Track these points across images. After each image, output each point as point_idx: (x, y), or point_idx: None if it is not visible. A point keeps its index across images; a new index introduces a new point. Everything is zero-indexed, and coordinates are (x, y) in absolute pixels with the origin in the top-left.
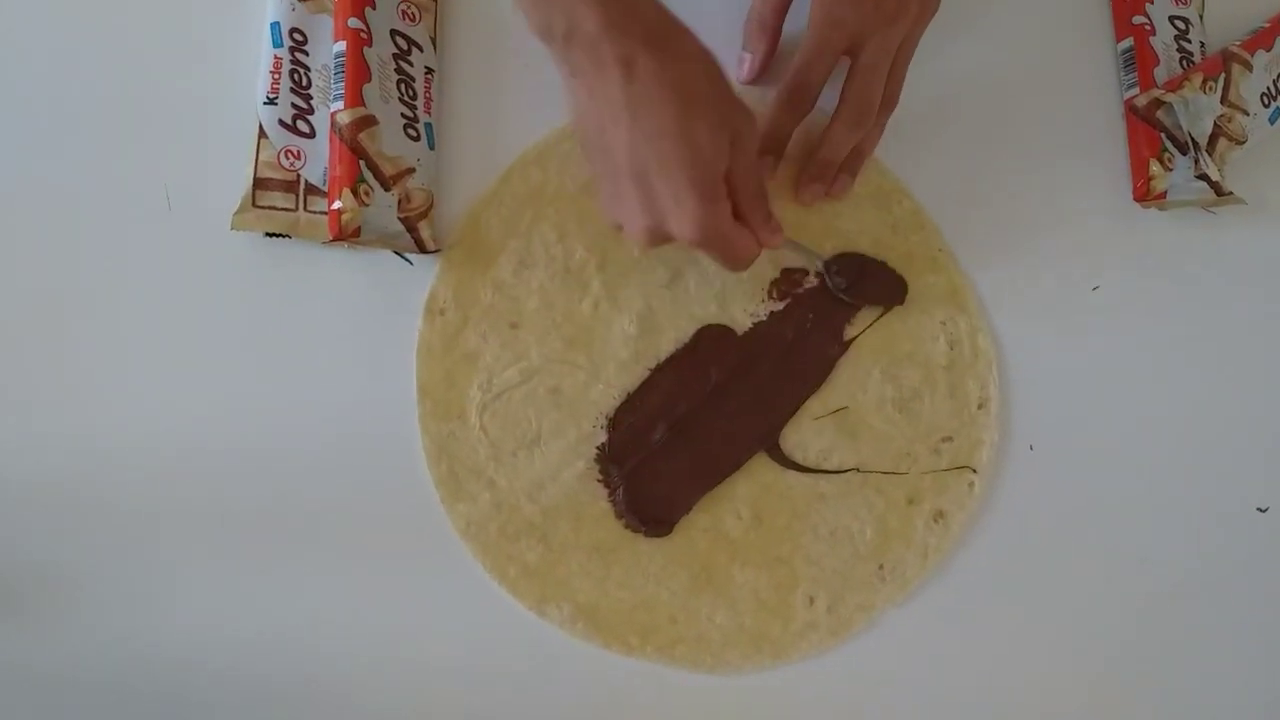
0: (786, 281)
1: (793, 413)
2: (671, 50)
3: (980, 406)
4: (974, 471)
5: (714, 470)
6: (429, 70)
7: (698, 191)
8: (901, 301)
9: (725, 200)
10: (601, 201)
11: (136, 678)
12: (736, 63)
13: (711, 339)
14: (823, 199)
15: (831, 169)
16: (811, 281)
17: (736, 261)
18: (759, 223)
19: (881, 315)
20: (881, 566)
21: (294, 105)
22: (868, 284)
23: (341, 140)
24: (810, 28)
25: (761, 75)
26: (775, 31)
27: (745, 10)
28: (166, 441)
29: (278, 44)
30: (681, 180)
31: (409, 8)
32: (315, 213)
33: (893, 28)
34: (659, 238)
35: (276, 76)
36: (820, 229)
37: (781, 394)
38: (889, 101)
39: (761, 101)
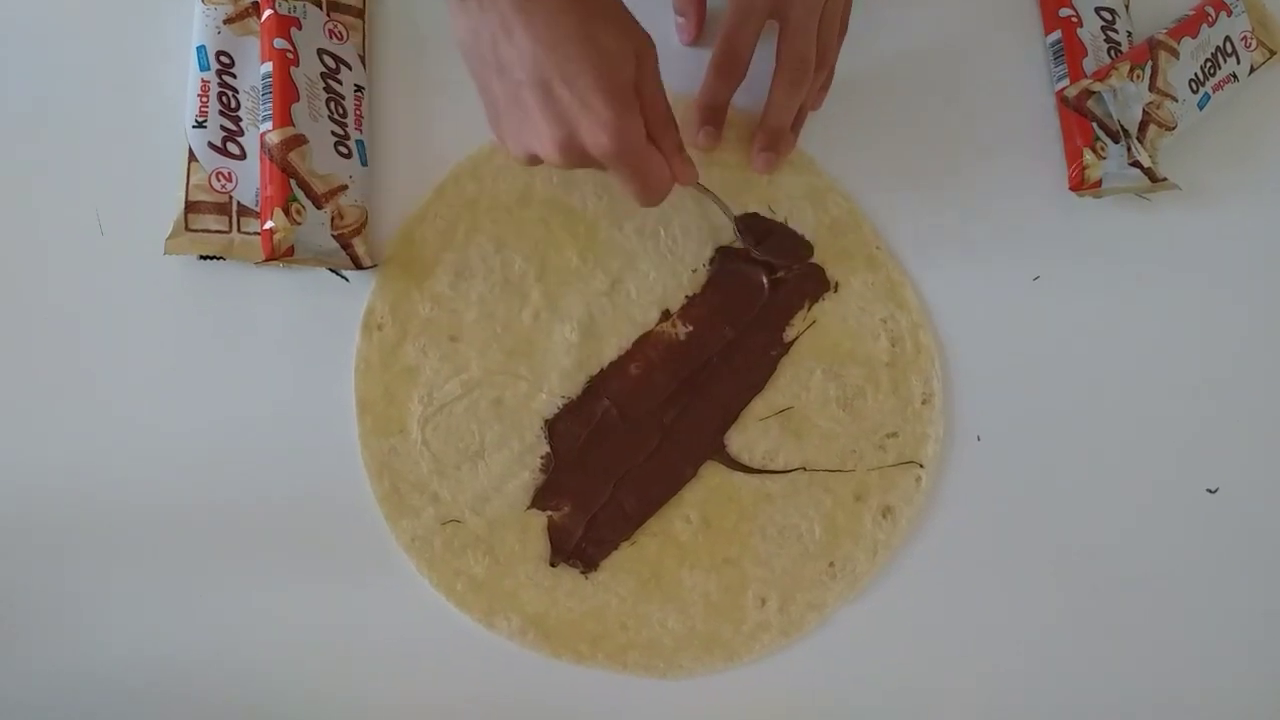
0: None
1: (736, 417)
2: None
3: (924, 402)
4: (920, 466)
5: (661, 496)
6: (359, 88)
7: (607, 95)
8: (809, 258)
9: (637, 113)
10: (504, 131)
11: (74, 700)
12: (675, 29)
13: (654, 348)
14: (776, 165)
15: (780, 135)
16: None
17: (649, 189)
18: (671, 149)
19: (813, 305)
20: (831, 564)
21: (223, 128)
22: (774, 242)
23: (272, 160)
24: None
25: (699, 37)
26: None
27: None
28: (105, 466)
29: (205, 67)
30: (590, 83)
31: (336, 26)
32: (248, 234)
33: None
34: (573, 153)
35: (204, 99)
36: None
37: (726, 399)
38: (824, 61)
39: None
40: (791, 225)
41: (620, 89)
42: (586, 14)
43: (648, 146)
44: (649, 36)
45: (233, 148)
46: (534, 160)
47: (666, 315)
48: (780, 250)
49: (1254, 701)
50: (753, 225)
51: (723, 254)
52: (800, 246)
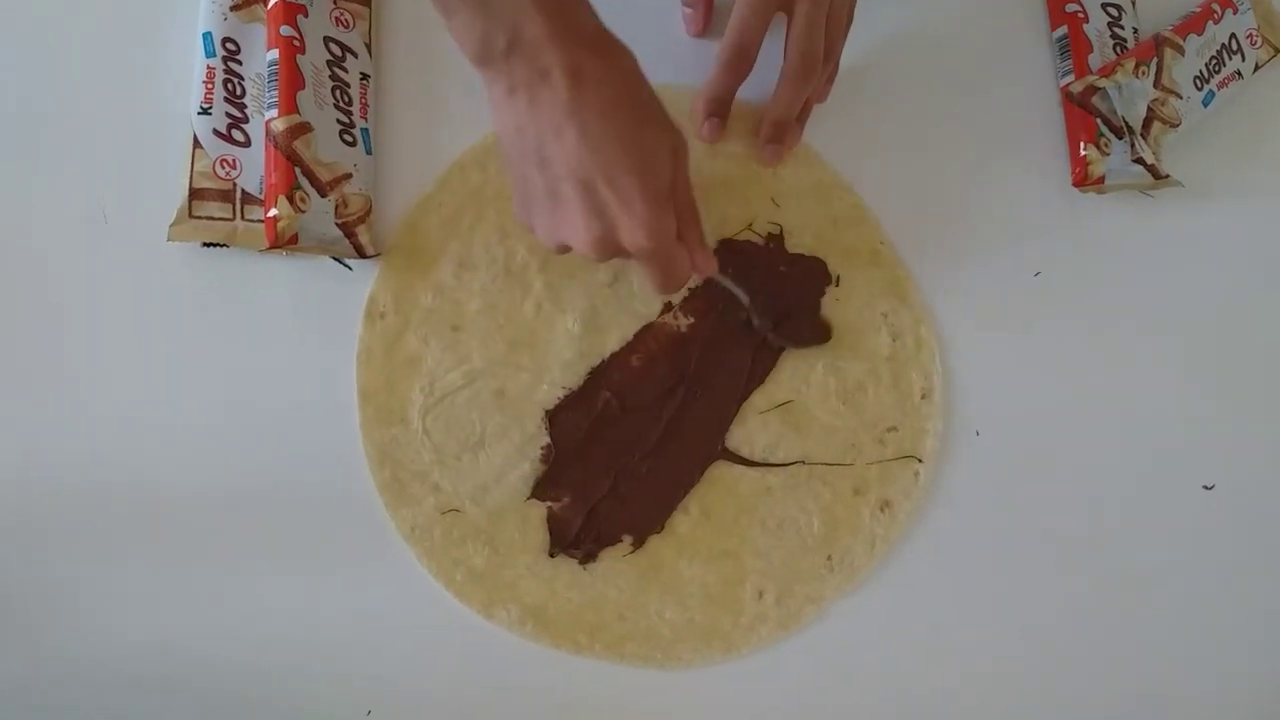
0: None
1: (736, 413)
2: (614, 59)
3: (924, 397)
4: (919, 461)
5: (666, 499)
6: (364, 76)
7: (649, 197)
8: (827, 341)
9: (671, 209)
10: (534, 218)
11: (76, 686)
12: (683, 20)
13: (655, 340)
14: (782, 158)
15: (786, 128)
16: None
17: (670, 281)
18: (695, 244)
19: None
20: (830, 557)
21: (228, 114)
22: (792, 325)
23: (276, 148)
24: None
25: (707, 27)
26: None
27: None
28: (107, 453)
29: (210, 53)
30: (633, 186)
31: (342, 14)
32: (252, 221)
33: None
34: (609, 248)
35: (210, 86)
36: (763, 226)
37: (728, 393)
38: (830, 54)
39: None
40: (794, 242)
41: (660, 190)
42: (635, 118)
43: (676, 244)
44: (682, 134)
45: (238, 135)
46: (564, 250)
47: (668, 307)
48: (797, 334)
49: (1250, 696)
50: (771, 306)
51: (724, 246)
52: (819, 329)
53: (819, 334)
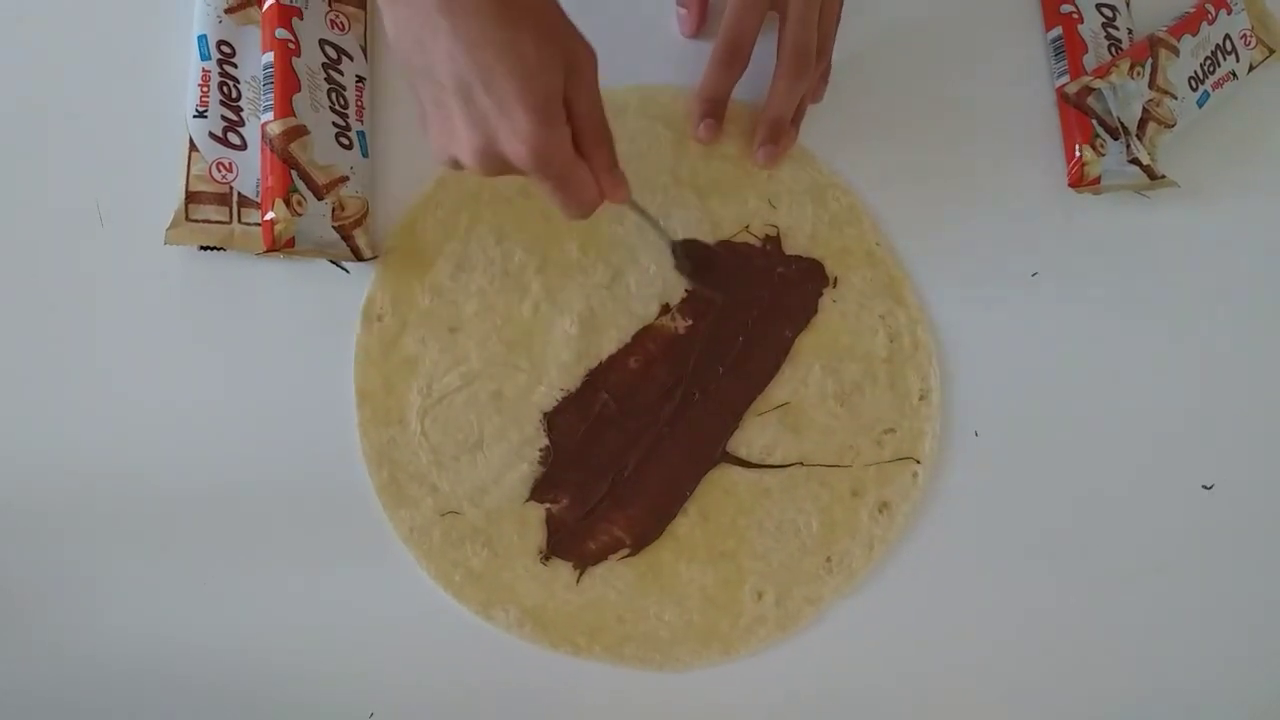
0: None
1: (739, 421)
2: None
3: (921, 398)
4: (917, 462)
5: (664, 506)
6: (360, 78)
7: (526, 104)
8: (764, 293)
9: (563, 125)
10: (431, 134)
11: (75, 684)
12: (677, 21)
13: (653, 342)
14: (778, 159)
15: (782, 127)
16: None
17: (574, 203)
18: (601, 166)
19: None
20: (828, 559)
21: (224, 117)
22: (718, 275)
23: (273, 151)
24: None
25: (702, 27)
26: None
27: None
28: (105, 455)
29: (205, 56)
30: (508, 91)
31: (338, 17)
32: (249, 224)
33: None
34: (492, 160)
35: (205, 89)
36: (760, 228)
37: (728, 397)
38: (823, 50)
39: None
40: (790, 231)
41: (544, 100)
42: (511, 19)
43: (573, 161)
44: (588, 46)
45: (233, 138)
46: (456, 165)
47: (666, 309)
48: (713, 281)
49: (1252, 696)
50: (692, 251)
51: (723, 249)
52: (754, 277)
53: (755, 282)
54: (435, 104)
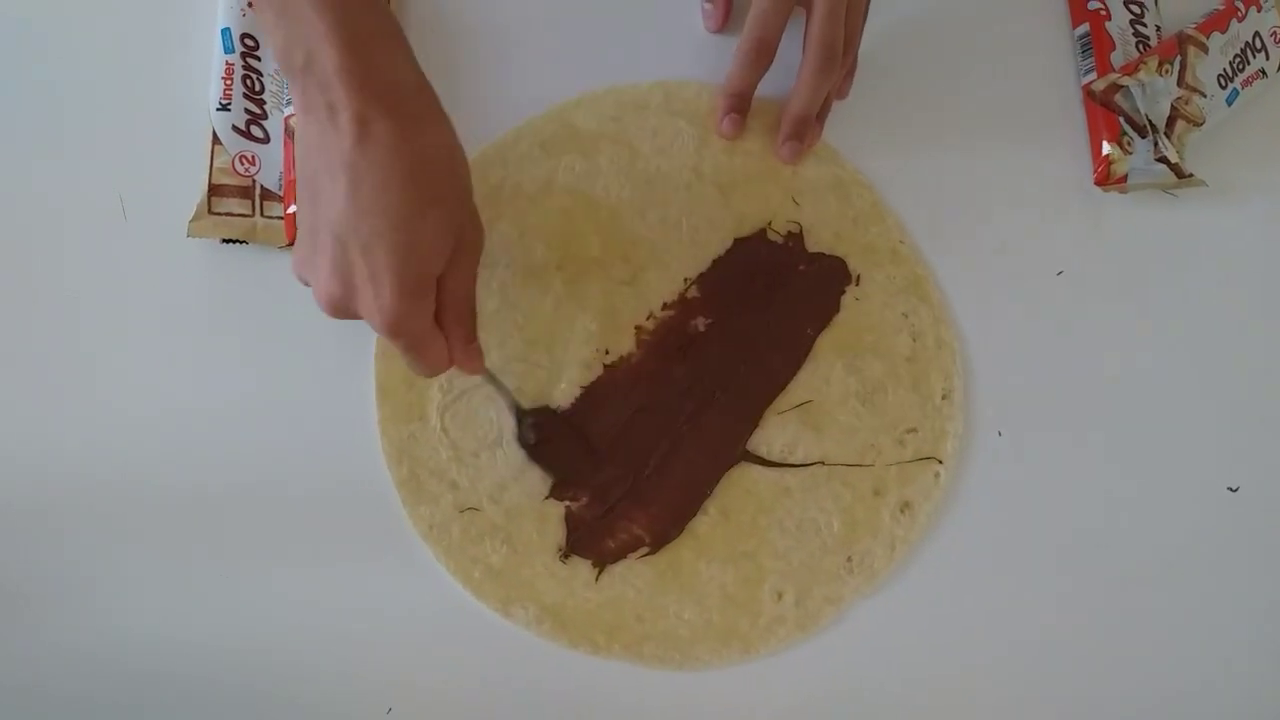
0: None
1: (759, 419)
2: (416, 127)
3: (944, 397)
4: (939, 462)
5: (692, 499)
6: None
7: (400, 284)
8: (592, 474)
9: (430, 299)
10: (295, 247)
11: (95, 684)
12: (702, 16)
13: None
14: (802, 155)
15: (807, 123)
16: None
17: (423, 366)
18: (458, 340)
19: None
20: (849, 558)
21: (247, 110)
22: (557, 447)
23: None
24: None
25: (726, 24)
26: None
27: None
28: (128, 449)
29: (229, 49)
30: (384, 265)
31: None
32: (271, 218)
33: None
34: (343, 312)
35: (229, 82)
36: (782, 224)
37: (749, 395)
38: (849, 46)
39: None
40: (810, 230)
41: (417, 281)
42: (416, 198)
43: (430, 332)
44: (480, 229)
45: (256, 131)
46: (306, 284)
47: (687, 308)
48: (558, 459)
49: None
50: (540, 422)
51: (740, 245)
52: (584, 460)
53: (583, 464)
54: (310, 230)
